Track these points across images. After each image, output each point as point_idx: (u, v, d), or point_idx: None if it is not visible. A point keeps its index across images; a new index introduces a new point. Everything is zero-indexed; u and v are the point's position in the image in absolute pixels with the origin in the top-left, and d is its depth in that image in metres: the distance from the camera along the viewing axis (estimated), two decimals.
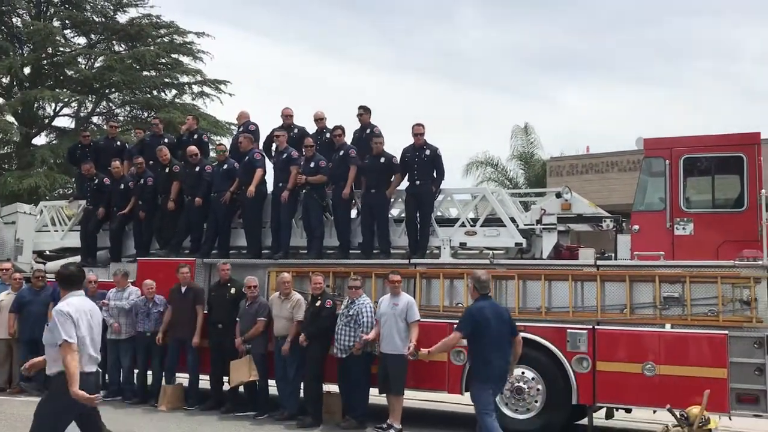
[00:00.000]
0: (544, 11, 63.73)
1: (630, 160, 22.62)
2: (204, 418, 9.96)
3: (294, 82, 60.55)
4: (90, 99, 26.52)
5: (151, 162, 12.46)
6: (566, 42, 59.44)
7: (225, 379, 10.53)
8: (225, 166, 11.62)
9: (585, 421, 9.33)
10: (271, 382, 10.26)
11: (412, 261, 10.24)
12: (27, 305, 11.58)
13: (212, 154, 14.41)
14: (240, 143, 11.75)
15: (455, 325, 7.27)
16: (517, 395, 9.03)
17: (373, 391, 9.55)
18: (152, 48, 26.31)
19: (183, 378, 10.94)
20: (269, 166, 11.62)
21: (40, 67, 25.55)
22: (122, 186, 12.51)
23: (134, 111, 27.54)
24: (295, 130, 12.03)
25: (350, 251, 10.81)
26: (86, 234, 12.80)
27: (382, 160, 10.67)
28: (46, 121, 26.67)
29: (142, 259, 11.79)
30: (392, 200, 10.92)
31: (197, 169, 11.73)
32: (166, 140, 12.98)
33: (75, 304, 5.55)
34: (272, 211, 11.21)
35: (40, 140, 26.39)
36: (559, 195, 10.07)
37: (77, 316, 5.45)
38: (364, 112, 11.58)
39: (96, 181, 12.84)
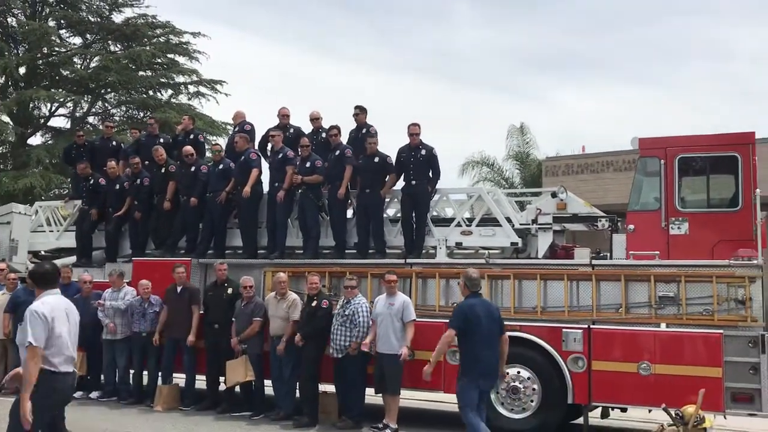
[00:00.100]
0: (541, 11, 63.87)
1: (625, 160, 22.65)
2: (200, 418, 9.95)
3: (290, 82, 60.51)
4: (86, 99, 26.51)
5: (146, 162, 12.44)
6: (562, 42, 59.53)
7: (221, 379, 10.52)
8: (221, 166, 11.61)
9: (581, 420, 9.35)
10: (267, 382, 10.26)
11: (408, 261, 10.25)
12: (22, 305, 11.48)
13: (208, 154, 14.39)
14: (236, 143, 11.74)
15: (449, 323, 7.36)
16: (512, 395, 9.04)
17: (369, 391, 9.55)
18: (148, 48, 26.30)
19: (179, 378, 10.93)
20: (265, 166, 11.62)
21: (36, 67, 25.50)
22: (117, 186, 12.48)
23: (130, 111, 27.52)
24: (291, 130, 12.02)
25: (346, 251, 10.81)
26: (81, 234, 12.77)
27: (376, 160, 10.67)
28: (42, 121, 26.63)
29: (137, 259, 11.77)
30: (388, 200, 10.93)
31: (193, 169, 11.72)
32: (161, 140, 12.96)
33: (51, 303, 5.39)
34: (268, 211, 11.20)
35: (35, 140, 26.40)
36: (554, 195, 10.09)
37: (53, 315, 5.30)
38: (360, 111, 11.57)
39: (91, 182, 12.81)
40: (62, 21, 26.25)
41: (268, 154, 11.82)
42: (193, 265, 11.26)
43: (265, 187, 11.43)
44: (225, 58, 58.62)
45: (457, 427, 8.16)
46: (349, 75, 62.98)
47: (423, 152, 10.49)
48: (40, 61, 25.48)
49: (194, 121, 14.58)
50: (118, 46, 27.08)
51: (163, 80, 27.00)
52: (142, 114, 26.28)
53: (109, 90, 26.58)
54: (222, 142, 19.70)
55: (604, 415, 9.51)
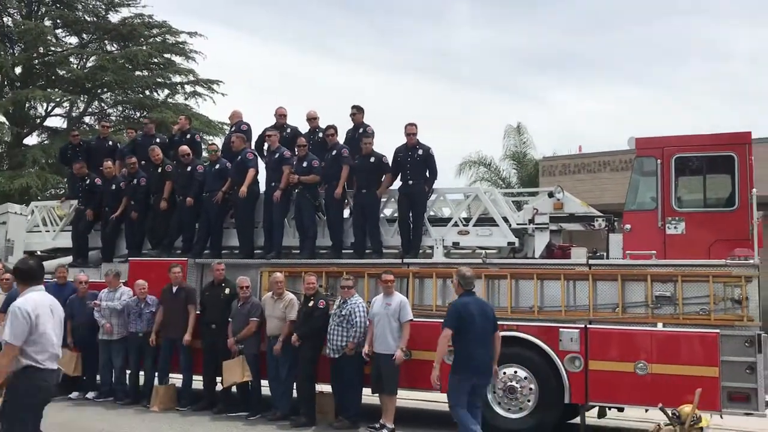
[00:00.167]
0: (539, 11, 63.92)
1: (622, 160, 22.68)
2: (196, 418, 9.94)
3: (287, 82, 60.51)
4: (82, 99, 26.43)
5: (143, 162, 12.43)
6: (560, 42, 59.59)
7: (218, 379, 10.50)
8: (217, 166, 11.59)
9: (578, 420, 9.35)
10: (264, 383, 10.24)
11: (405, 260, 10.24)
12: None
13: (204, 153, 14.36)
14: (232, 143, 11.72)
15: (444, 323, 7.43)
16: (509, 394, 9.04)
17: (366, 391, 9.54)
18: (144, 48, 26.23)
19: (175, 378, 10.91)
20: (261, 165, 11.60)
21: (32, 66, 25.44)
22: (114, 186, 12.46)
23: (126, 111, 27.46)
24: (288, 130, 12.01)
25: (343, 251, 10.80)
26: (78, 234, 12.75)
27: (372, 159, 10.67)
28: (38, 121, 26.56)
29: (133, 259, 11.75)
30: (384, 200, 10.92)
31: (189, 168, 11.70)
32: (158, 140, 12.94)
33: (35, 300, 5.28)
34: (265, 211, 11.19)
35: (31, 140, 26.33)
36: (551, 194, 10.09)
37: (37, 312, 5.18)
38: (357, 111, 11.56)
39: (87, 182, 12.78)
40: (58, 20, 26.17)
41: (265, 153, 11.80)
42: (190, 265, 11.25)
43: (262, 187, 11.41)
44: (222, 57, 58.69)
45: (453, 428, 8.16)
46: (347, 75, 63.03)
47: (420, 152, 10.49)
48: (36, 61, 25.40)
49: (191, 121, 14.54)
50: (115, 45, 27.00)
51: (159, 80, 26.92)
52: (138, 114, 26.24)
53: (105, 90, 26.52)
54: (218, 141, 19.69)
55: (601, 414, 9.52)
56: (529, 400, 9.00)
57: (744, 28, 58.11)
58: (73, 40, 27.01)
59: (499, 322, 9.06)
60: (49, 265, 12.82)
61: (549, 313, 9.26)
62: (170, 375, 10.87)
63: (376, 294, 9.65)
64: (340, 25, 69.17)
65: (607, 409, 9.41)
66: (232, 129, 12.62)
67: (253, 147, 12.03)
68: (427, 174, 10.52)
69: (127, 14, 26.69)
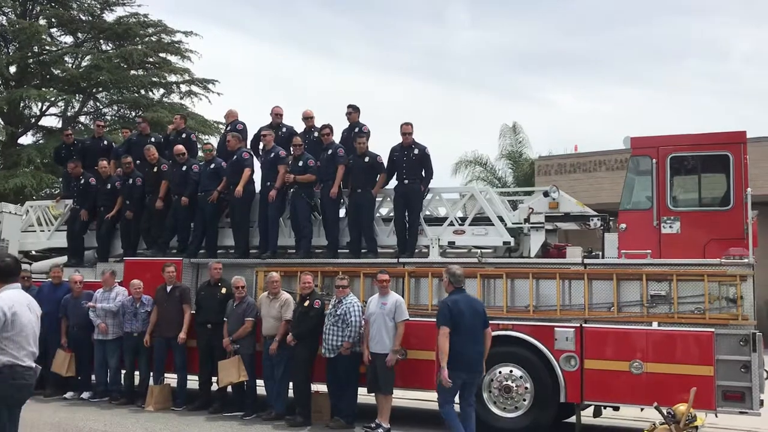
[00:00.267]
0: (536, 11, 63.95)
1: (618, 159, 22.74)
2: (192, 418, 9.91)
3: (283, 82, 60.45)
4: (77, 98, 26.38)
5: (138, 161, 12.40)
6: (556, 42, 59.67)
7: (213, 379, 10.49)
8: (212, 166, 11.58)
9: (573, 419, 9.36)
10: (260, 382, 10.23)
11: (401, 260, 10.24)
12: None
13: (200, 153, 14.34)
14: (228, 142, 11.70)
15: (437, 323, 7.58)
16: (505, 393, 9.05)
17: (362, 391, 9.54)
18: (140, 47, 26.20)
19: (171, 378, 10.89)
20: (257, 165, 11.58)
21: (26, 66, 25.37)
22: (109, 186, 12.43)
23: (122, 110, 27.43)
24: (284, 129, 11.99)
25: (338, 251, 10.79)
26: (73, 234, 12.71)
27: (367, 159, 10.67)
28: (33, 120, 26.51)
29: (129, 258, 11.72)
30: (380, 199, 10.92)
31: (184, 168, 11.68)
32: (152, 139, 12.91)
33: (11, 297, 5.15)
34: (260, 211, 11.17)
35: (26, 140, 26.29)
36: (546, 194, 10.10)
37: (13, 310, 5.06)
38: (352, 110, 11.56)
39: (82, 181, 12.75)
40: (53, 20, 26.11)
41: (260, 153, 11.78)
42: (185, 265, 11.23)
43: (257, 187, 11.39)
44: (217, 57, 58.49)
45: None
46: (342, 75, 62.99)
47: (416, 151, 10.49)
48: (31, 60, 25.34)
49: (186, 121, 14.52)
50: (110, 45, 26.96)
51: (155, 79, 26.90)
52: (133, 113, 26.19)
53: (100, 89, 26.47)
54: (214, 141, 19.64)
55: (597, 413, 9.53)
56: (524, 399, 9.01)
57: (741, 28, 58.28)
58: (68, 39, 27.03)
59: (495, 322, 9.14)
60: (43, 264, 12.85)
61: (544, 312, 9.26)
62: (165, 375, 10.84)
63: (372, 294, 9.63)
64: (336, 25, 69.18)
65: (602, 408, 9.42)
66: (228, 128, 12.59)
67: (248, 146, 12.01)
68: (423, 173, 10.51)
69: (122, 13, 26.74)
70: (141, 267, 11.36)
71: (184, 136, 12.87)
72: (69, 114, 26.80)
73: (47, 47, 25.69)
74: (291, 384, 9.88)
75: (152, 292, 10.81)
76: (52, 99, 25.46)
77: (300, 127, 11.99)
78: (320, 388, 9.88)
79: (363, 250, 10.58)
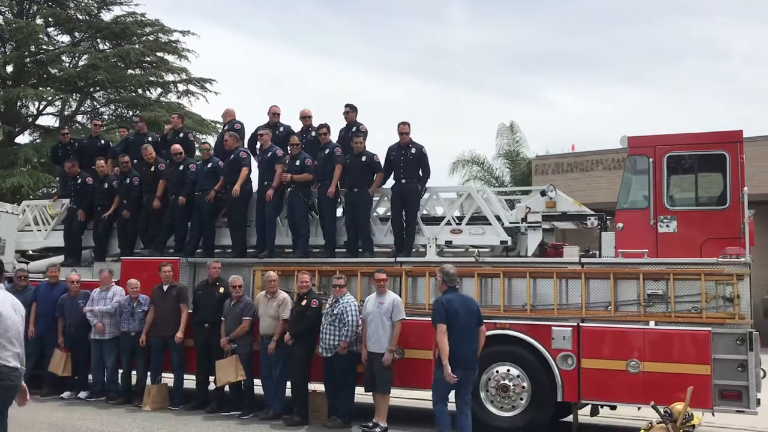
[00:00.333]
0: (534, 11, 63.99)
1: (615, 159, 22.79)
2: (189, 417, 9.90)
3: (280, 81, 60.43)
4: (74, 98, 26.34)
5: (135, 161, 12.38)
6: (554, 41, 59.71)
7: (211, 378, 10.48)
8: (209, 165, 11.56)
9: (570, 418, 9.37)
10: (257, 382, 10.22)
11: (398, 259, 10.24)
12: None
13: (197, 153, 14.32)
14: (225, 141, 11.68)
15: (433, 321, 7.68)
16: (502, 392, 9.05)
17: (359, 390, 9.54)
18: (137, 46, 26.15)
19: (168, 378, 10.88)
20: (254, 164, 11.58)
21: (23, 65, 25.30)
22: (106, 185, 12.41)
23: (119, 110, 27.38)
24: (281, 129, 11.99)
25: (336, 250, 10.79)
26: (70, 234, 12.70)
27: (364, 158, 10.67)
28: (30, 119, 26.45)
29: (126, 258, 11.71)
30: (377, 199, 10.92)
31: (181, 167, 11.66)
32: (150, 139, 12.90)
33: None
34: (257, 210, 11.16)
35: (23, 139, 26.22)
36: (543, 193, 10.10)
37: None
38: (350, 110, 11.55)
39: (79, 181, 12.73)
40: (50, 19, 26.04)
41: (257, 152, 11.77)
42: (182, 264, 11.22)
43: (255, 186, 11.38)
44: (215, 56, 58.50)
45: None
46: (340, 74, 62.98)
47: (413, 151, 10.49)
48: (28, 60, 25.26)
49: (183, 120, 14.51)
50: (107, 44, 26.89)
51: (152, 78, 26.84)
52: (131, 113, 26.14)
53: (97, 88, 26.41)
54: (211, 140, 19.65)
55: (594, 412, 9.53)
56: (521, 398, 9.01)
57: (739, 27, 58.36)
58: (65, 38, 26.95)
59: (492, 321, 9.17)
60: (40, 264, 12.84)
61: (541, 311, 9.28)
62: (162, 374, 10.83)
63: (369, 293, 9.64)
64: (334, 25, 69.16)
65: (599, 407, 9.42)
66: (225, 128, 12.58)
67: (245, 146, 12.00)
68: (420, 173, 10.52)
69: (120, 12, 26.67)
70: (138, 266, 11.35)
71: (181, 135, 12.85)
72: (66, 113, 26.75)
73: (44, 46, 25.63)
74: (288, 383, 9.87)
75: (149, 292, 10.80)
76: (49, 98, 25.41)
77: (297, 126, 11.99)
78: (318, 387, 9.88)
79: (360, 249, 10.57)
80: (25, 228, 13.57)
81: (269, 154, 11.20)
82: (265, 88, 62.67)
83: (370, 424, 9.00)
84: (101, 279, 11.16)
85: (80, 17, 26.44)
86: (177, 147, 11.87)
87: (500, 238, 10.04)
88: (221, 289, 10.43)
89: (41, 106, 26.16)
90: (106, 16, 26.60)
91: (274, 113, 12.12)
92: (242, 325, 10.02)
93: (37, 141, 25.62)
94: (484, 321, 9.09)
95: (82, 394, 11.10)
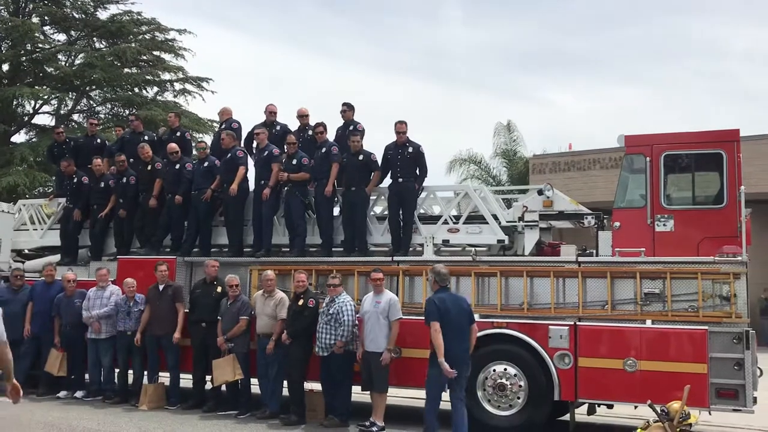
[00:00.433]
0: (532, 10, 64.02)
1: (612, 158, 22.79)
2: (186, 417, 9.89)
3: (277, 80, 60.38)
4: (70, 96, 26.26)
5: (131, 159, 12.35)
6: (551, 41, 59.74)
7: (207, 378, 10.46)
8: (206, 164, 11.54)
9: (567, 417, 9.37)
10: (254, 381, 10.20)
11: (395, 258, 10.23)
12: (5, 305, 11.37)
13: (194, 152, 14.29)
14: (222, 140, 11.66)
15: (426, 320, 7.88)
16: (499, 392, 9.05)
17: (356, 389, 9.53)
18: (133, 45, 26.09)
19: (164, 377, 10.85)
20: (251, 163, 11.55)
21: (19, 63, 25.24)
22: (102, 184, 12.38)
23: (115, 108, 27.31)
24: (278, 127, 11.97)
25: (333, 249, 10.77)
26: (66, 233, 12.67)
27: (361, 157, 10.66)
28: (26, 118, 26.37)
29: (122, 257, 11.68)
30: (374, 198, 10.91)
31: (178, 166, 11.64)
32: (146, 137, 12.87)
33: None
34: (254, 209, 11.15)
35: (19, 138, 26.14)
36: (541, 192, 10.09)
37: None
38: (347, 108, 11.54)
39: (75, 180, 12.69)
40: (46, 17, 25.96)
41: (254, 151, 11.75)
42: (178, 264, 11.19)
43: (251, 185, 11.36)
44: (214, 56, 58.38)
45: (445, 425, 8.17)
46: (341, 74, 62.97)
47: (410, 150, 10.48)
48: (24, 58, 25.21)
49: (180, 118, 14.47)
50: (103, 42, 26.82)
51: (148, 77, 26.79)
52: (127, 111, 26.06)
53: (94, 87, 26.35)
54: (208, 139, 19.60)
55: (591, 411, 9.55)
56: (518, 397, 9.01)
57: (737, 27, 58.44)
58: (62, 37, 26.85)
59: (489, 320, 9.17)
60: (36, 263, 12.81)
61: (539, 310, 9.28)
62: (159, 373, 10.81)
63: (366, 292, 9.63)
64: (334, 25, 69.12)
65: (596, 406, 9.43)
66: (222, 126, 12.56)
67: (242, 145, 11.97)
68: (417, 172, 10.51)
69: (116, 11, 26.58)
70: (134, 266, 11.33)
71: (178, 134, 12.82)
72: (62, 112, 26.69)
73: (40, 45, 25.56)
74: (285, 382, 9.85)
75: (146, 291, 10.77)
76: (46, 97, 25.35)
77: (294, 125, 11.96)
78: (314, 386, 9.87)
79: (356, 249, 10.56)
80: (21, 227, 13.53)
81: (266, 153, 11.18)
82: (265, 88, 62.70)
83: (367, 423, 8.99)
84: (98, 277, 11.13)
85: (76, 16, 26.36)
86: (173, 146, 11.85)
87: (497, 237, 10.03)
88: (219, 289, 10.41)
89: (37, 105, 26.11)
90: (103, 15, 26.58)
91: (270, 112, 12.10)
92: (239, 324, 10.00)
93: (33, 140, 25.56)
94: (482, 320, 9.19)
95: (79, 394, 11.07)
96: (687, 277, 8.74)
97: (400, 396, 11.02)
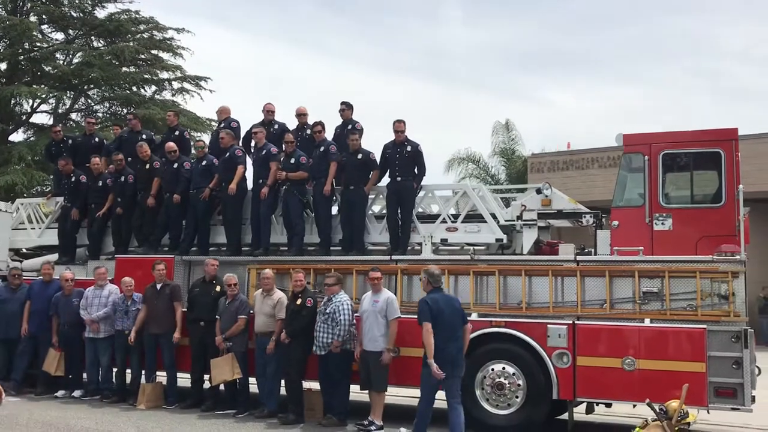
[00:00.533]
0: (531, 10, 64.01)
1: (610, 157, 22.79)
2: (184, 416, 9.87)
3: (276, 80, 60.33)
4: (68, 95, 26.22)
5: (129, 158, 12.33)
6: (553, 41, 59.74)
7: (205, 377, 10.44)
8: (204, 163, 11.52)
9: (566, 416, 9.37)
10: (252, 380, 10.19)
11: (394, 257, 10.22)
12: (3, 304, 11.43)
13: (192, 151, 14.28)
14: (222, 139, 11.63)
15: (419, 320, 7.89)
16: (497, 391, 9.04)
17: (355, 388, 9.52)
18: (131, 44, 26.08)
19: (162, 376, 10.84)
20: (249, 162, 11.54)
21: (17, 62, 25.21)
22: (100, 183, 12.37)
23: (113, 107, 27.29)
24: (276, 126, 11.95)
25: (331, 248, 10.76)
26: (64, 232, 12.65)
27: (359, 156, 10.65)
28: (24, 117, 26.34)
29: (120, 256, 11.66)
30: (373, 197, 10.90)
31: (176, 165, 11.62)
32: (144, 136, 12.85)
33: None
34: (252, 208, 11.13)
35: (17, 137, 26.12)
36: (539, 191, 10.07)
37: None
38: (346, 107, 11.54)
39: (73, 179, 12.67)
40: (44, 16, 25.93)
41: (252, 150, 11.73)
42: (177, 263, 11.18)
43: (249, 184, 11.34)
44: (214, 55, 58.33)
45: (443, 424, 8.17)
46: (341, 74, 62.94)
47: (408, 148, 10.47)
48: (22, 57, 25.18)
49: (179, 117, 14.46)
50: (101, 41, 26.81)
51: (146, 76, 26.78)
52: (125, 110, 26.06)
53: (92, 86, 26.33)
54: (206, 138, 19.57)
55: (589, 410, 9.53)
56: (517, 396, 9.00)
57: (736, 26, 58.46)
58: (59, 36, 26.83)
59: (487, 319, 9.16)
60: (34, 262, 12.79)
61: (537, 309, 9.27)
62: (157, 373, 10.79)
63: (365, 291, 9.62)
64: (333, 24, 69.09)
65: (595, 404, 9.42)
66: (221, 125, 12.53)
67: (240, 144, 11.96)
68: (416, 170, 10.50)
69: (114, 10, 26.57)
70: (132, 264, 11.31)
71: (177, 133, 12.80)
72: (60, 111, 26.65)
73: (38, 44, 25.53)
74: (283, 381, 9.84)
75: (144, 290, 10.75)
76: (43, 96, 25.30)
77: (293, 124, 11.95)
78: (313, 385, 9.86)
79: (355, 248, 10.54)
80: (19, 226, 13.51)
81: (264, 152, 11.16)
82: (265, 88, 62.69)
83: (366, 422, 8.98)
84: (96, 276, 11.11)
85: (74, 14, 26.34)
86: (171, 145, 11.83)
87: (496, 236, 10.03)
88: (217, 288, 10.39)
89: (35, 104, 26.08)
90: (101, 14, 26.57)
91: (268, 111, 12.08)
92: (238, 323, 9.98)
93: (31, 139, 25.54)
94: (480, 319, 9.18)
95: (77, 393, 11.06)
96: (685, 276, 8.73)
97: (398, 395, 11.00)
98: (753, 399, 8.37)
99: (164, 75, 27.17)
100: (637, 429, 7.82)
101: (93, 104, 27.42)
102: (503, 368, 9.07)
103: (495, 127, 30.17)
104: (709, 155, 9.21)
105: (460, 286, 9.70)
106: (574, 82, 60.68)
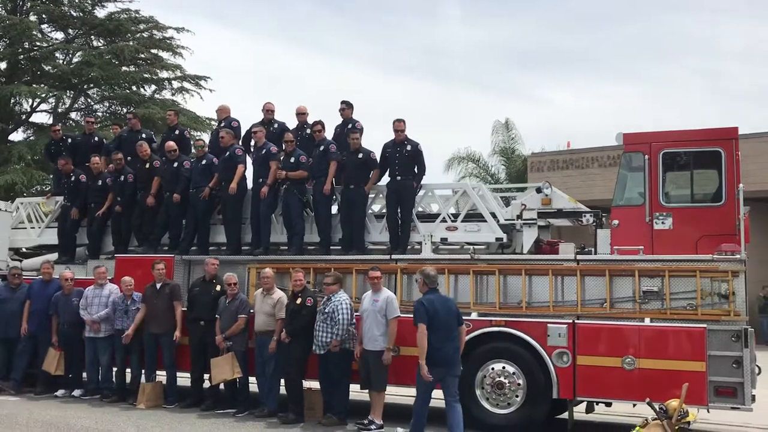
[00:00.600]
0: (530, 8, 63.98)
1: (610, 156, 22.78)
2: (183, 415, 9.87)
3: (279, 80, 60.33)
4: (68, 95, 26.23)
5: (129, 158, 12.32)
6: (550, 39, 59.72)
7: (205, 376, 10.43)
8: (203, 162, 11.51)
9: (566, 415, 9.37)
10: (252, 379, 10.18)
11: (393, 257, 10.22)
12: (3, 303, 11.42)
13: (192, 150, 14.27)
14: (222, 138, 11.61)
15: (414, 321, 7.93)
16: (497, 390, 9.04)
17: (355, 387, 9.51)
18: (131, 43, 26.09)
19: (162, 376, 10.83)
20: (249, 162, 11.53)
21: (17, 62, 25.21)
22: (100, 182, 12.36)
23: (113, 106, 27.29)
24: (275, 125, 11.94)
25: (331, 247, 10.75)
26: (63, 231, 12.64)
27: (360, 155, 10.65)
28: (23, 116, 26.34)
29: (120, 256, 11.65)
30: (372, 196, 10.89)
31: (175, 164, 11.61)
32: (143, 135, 12.84)
33: None
34: (252, 207, 11.12)
35: (17, 136, 26.13)
36: (539, 190, 10.07)
37: None
38: (346, 107, 11.52)
39: (73, 178, 12.66)
40: (44, 16, 25.94)
41: (251, 150, 11.72)
42: (176, 262, 11.17)
43: (249, 184, 11.33)
44: (213, 54, 58.32)
45: (442, 424, 8.17)
46: (339, 72, 62.91)
47: (408, 148, 10.47)
48: (22, 56, 25.18)
49: (178, 116, 14.45)
50: (101, 41, 26.82)
51: (146, 76, 26.79)
52: (125, 109, 26.07)
53: (91, 85, 26.33)
54: (206, 137, 19.56)
55: (589, 409, 9.53)
56: (517, 396, 9.00)
57: (735, 25, 58.43)
58: (59, 35, 26.84)
59: (487, 318, 9.16)
60: (34, 261, 12.78)
61: (537, 308, 9.27)
62: (157, 372, 10.79)
63: (365, 290, 9.61)
64: (332, 23, 69.05)
65: (594, 404, 9.42)
66: (221, 125, 12.52)
67: (240, 143, 11.94)
68: (416, 170, 10.49)
69: (114, 9, 26.60)
70: (132, 264, 11.31)
71: (177, 132, 12.79)
72: (60, 110, 26.66)
73: (38, 43, 25.54)
74: (283, 381, 9.84)
75: (144, 289, 10.74)
76: (43, 95, 25.31)
77: (293, 123, 11.94)
78: (313, 384, 9.85)
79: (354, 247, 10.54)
80: (19, 225, 13.51)
81: (263, 151, 11.15)
82: (264, 87, 62.70)
83: (366, 422, 8.98)
84: (96, 275, 11.10)
85: (74, 14, 26.35)
86: (171, 144, 11.82)
87: (496, 235, 10.02)
88: (217, 287, 10.38)
89: (35, 103, 26.08)
90: (100, 13, 26.59)
91: (268, 110, 12.06)
92: (238, 322, 9.98)
93: (31, 138, 25.54)
94: (480, 318, 9.18)
95: (77, 393, 11.05)
96: (685, 275, 8.72)
97: (398, 394, 11.00)
98: (753, 398, 8.37)
99: (164, 74, 27.24)
100: (637, 428, 7.81)
101: (93, 103, 27.43)
102: (503, 367, 9.07)
103: (495, 126, 30.19)
104: (710, 154, 9.20)
105: (460, 285, 9.69)
106: (573, 80, 60.74)
